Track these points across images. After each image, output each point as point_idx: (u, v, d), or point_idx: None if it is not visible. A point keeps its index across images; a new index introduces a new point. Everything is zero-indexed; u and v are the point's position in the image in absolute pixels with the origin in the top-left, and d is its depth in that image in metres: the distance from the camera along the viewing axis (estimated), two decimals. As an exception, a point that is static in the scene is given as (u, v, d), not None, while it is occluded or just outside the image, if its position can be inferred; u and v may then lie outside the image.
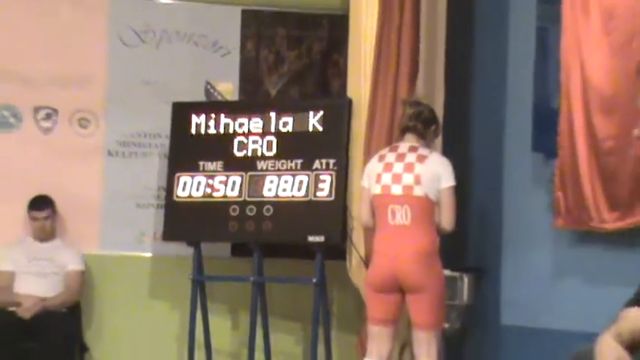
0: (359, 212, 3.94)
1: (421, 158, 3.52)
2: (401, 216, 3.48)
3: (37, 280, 4.69)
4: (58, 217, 4.87)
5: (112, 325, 4.90)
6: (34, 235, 4.80)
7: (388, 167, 3.55)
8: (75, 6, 4.89)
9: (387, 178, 3.56)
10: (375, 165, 3.68)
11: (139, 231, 4.95)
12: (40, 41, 4.87)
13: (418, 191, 3.49)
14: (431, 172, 3.50)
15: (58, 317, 4.60)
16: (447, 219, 3.58)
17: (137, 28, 4.93)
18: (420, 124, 3.70)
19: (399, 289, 3.49)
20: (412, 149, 3.59)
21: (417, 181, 3.49)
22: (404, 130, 3.72)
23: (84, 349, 4.81)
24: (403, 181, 3.50)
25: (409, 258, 3.45)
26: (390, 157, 3.59)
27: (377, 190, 3.60)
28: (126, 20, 4.97)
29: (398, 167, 3.52)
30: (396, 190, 3.52)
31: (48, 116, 4.96)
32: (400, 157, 3.55)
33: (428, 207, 3.52)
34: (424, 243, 3.49)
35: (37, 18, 4.90)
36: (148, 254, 4.97)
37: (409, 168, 3.53)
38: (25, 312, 4.51)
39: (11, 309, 4.62)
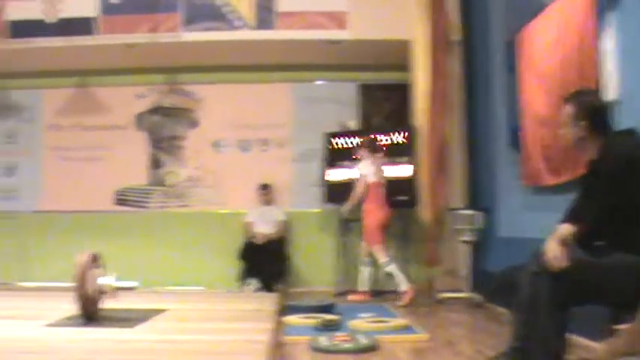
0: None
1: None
2: None
3: (264, 225, 8.27)
4: (272, 192, 8.65)
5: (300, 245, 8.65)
6: (262, 203, 8.49)
7: None
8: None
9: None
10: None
11: (311, 198, 8.70)
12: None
13: None
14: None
15: (275, 243, 8.17)
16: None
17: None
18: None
19: None
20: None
21: None
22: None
23: (287, 258, 8.29)
24: None
25: None
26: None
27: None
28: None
29: None
30: None
31: (264, 143, 8.97)
32: None
33: None
34: None
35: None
36: (317, 209, 8.78)
37: None
38: (259, 240, 8.16)
39: (252, 240, 8.22)
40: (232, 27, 7.76)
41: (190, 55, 8.50)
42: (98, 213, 9.00)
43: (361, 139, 7.79)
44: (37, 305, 5.32)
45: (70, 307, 4.29)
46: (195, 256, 8.73)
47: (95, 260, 4.38)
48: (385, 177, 7.42)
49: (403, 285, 6.95)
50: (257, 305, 5.40)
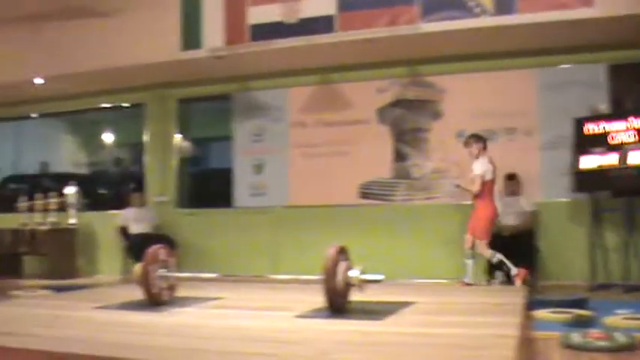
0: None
1: None
2: None
3: (511, 217, 8.33)
4: (519, 182, 8.69)
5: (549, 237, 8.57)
6: (508, 193, 8.53)
7: None
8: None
9: None
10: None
11: (561, 187, 8.63)
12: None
13: None
14: None
15: (523, 234, 8.26)
16: None
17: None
18: None
19: None
20: None
21: None
22: None
23: (535, 250, 8.32)
24: None
25: None
26: None
27: None
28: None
29: None
30: None
31: (510, 131, 9.05)
32: None
33: None
34: None
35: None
36: (567, 199, 8.72)
37: None
38: (505, 232, 8.25)
39: (499, 231, 8.16)
40: (472, 14, 7.87)
41: (430, 45, 8.72)
42: (344, 207, 9.62)
43: (468, 136, 8.15)
44: (287, 297, 5.65)
45: (319, 299, 4.50)
46: (440, 248, 9.03)
47: (343, 253, 4.61)
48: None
49: (514, 270, 7.56)
50: (504, 299, 5.34)
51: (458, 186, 8.31)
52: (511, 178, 8.66)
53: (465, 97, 9.22)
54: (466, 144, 8.11)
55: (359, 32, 8.38)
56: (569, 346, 4.25)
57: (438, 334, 3.77)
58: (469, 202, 8.42)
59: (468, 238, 7.92)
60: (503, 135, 9.05)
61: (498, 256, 7.67)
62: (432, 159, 9.34)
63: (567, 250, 8.60)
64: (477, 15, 7.91)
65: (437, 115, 9.34)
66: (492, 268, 8.14)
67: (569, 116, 8.51)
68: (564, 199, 8.77)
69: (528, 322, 4.84)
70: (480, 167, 7.82)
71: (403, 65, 9.42)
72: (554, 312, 5.39)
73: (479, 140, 8.00)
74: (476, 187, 7.79)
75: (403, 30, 8.19)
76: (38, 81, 10.52)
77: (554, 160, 8.76)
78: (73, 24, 9.87)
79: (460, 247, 8.36)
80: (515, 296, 5.44)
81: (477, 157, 7.92)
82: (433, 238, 9.17)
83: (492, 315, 4.52)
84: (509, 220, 8.45)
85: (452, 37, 8.35)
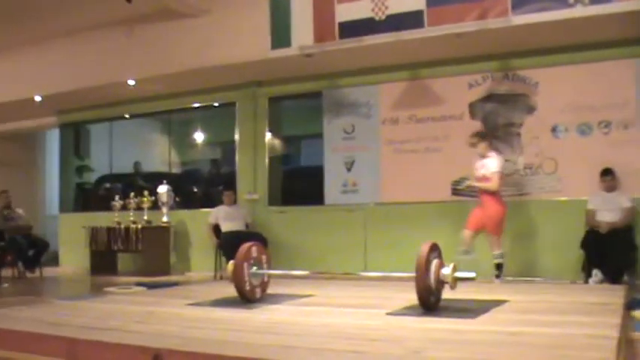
0: None
1: None
2: None
3: (608, 213, 8.11)
4: (616, 177, 8.38)
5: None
6: (605, 189, 8.30)
7: None
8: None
9: None
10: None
11: None
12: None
13: None
14: None
15: (621, 231, 7.99)
16: None
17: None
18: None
19: None
20: None
21: None
22: None
23: (634, 247, 8.05)
24: None
25: None
26: None
27: None
28: None
29: None
30: None
31: (606, 124, 8.72)
32: None
33: None
34: None
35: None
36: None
37: None
38: (603, 229, 8.03)
39: (596, 228, 8.18)
40: (565, 5, 7.64)
41: (522, 38, 8.57)
42: (435, 203, 9.58)
43: (472, 135, 8.38)
44: (378, 294, 5.63)
45: (410, 296, 4.51)
46: (535, 245, 8.89)
47: (435, 250, 4.58)
48: None
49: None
50: (602, 298, 5.25)
51: (470, 186, 8.46)
52: (607, 173, 8.40)
53: (559, 90, 8.99)
54: (472, 144, 8.28)
55: (449, 27, 8.28)
56: (671, 348, 4.00)
57: (533, 333, 3.71)
58: (563, 198, 8.28)
59: (468, 233, 8.02)
60: (600, 128, 8.81)
61: (502, 260, 8.05)
62: (524, 154, 9.18)
63: (669, 247, 8.18)
64: (571, 5, 7.66)
65: (530, 109, 9.18)
66: (589, 265, 7.96)
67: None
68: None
69: (629, 323, 4.63)
70: (496, 163, 7.98)
71: (494, 59, 9.32)
72: (655, 312, 5.11)
73: (484, 138, 8.22)
74: (495, 183, 7.94)
75: (494, 23, 8.04)
76: (130, 82, 10.81)
77: (655, 153, 8.29)
78: (163, 26, 10.18)
79: (560, 244, 8.45)
80: (615, 296, 5.34)
81: (484, 156, 8.14)
82: (529, 235, 9.04)
83: (590, 315, 4.43)
84: (607, 216, 8.24)
85: (544, 29, 8.15)
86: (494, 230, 7.96)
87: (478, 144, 8.17)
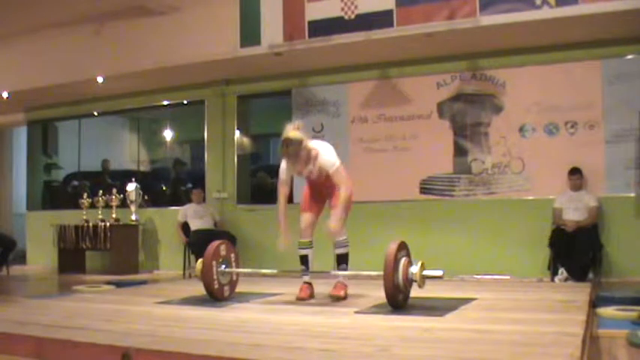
0: None
1: None
2: None
3: (574, 212, 8.20)
4: (582, 177, 8.37)
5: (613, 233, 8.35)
6: (571, 188, 8.35)
7: None
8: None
9: None
10: None
11: (626, 181, 8.35)
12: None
13: None
14: None
15: (586, 230, 8.04)
16: None
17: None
18: None
19: None
20: None
21: None
22: None
23: (599, 246, 8.05)
24: None
25: None
26: None
27: None
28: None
29: None
30: None
31: (573, 125, 8.76)
32: None
33: None
34: None
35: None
36: (632, 194, 8.36)
37: None
38: (569, 228, 8.06)
39: (562, 226, 8.20)
40: (532, 6, 7.70)
41: (490, 39, 8.62)
42: (404, 202, 9.60)
43: None
44: (347, 292, 5.62)
45: (379, 294, 4.58)
46: (501, 243, 8.93)
47: (403, 249, 4.67)
48: None
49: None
50: (568, 295, 5.38)
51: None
52: (575, 172, 8.47)
53: (526, 90, 9.08)
54: None
55: (418, 27, 8.31)
56: (636, 345, 4.12)
57: (500, 330, 3.75)
58: (531, 197, 8.34)
59: None
60: (566, 128, 8.88)
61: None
62: (492, 153, 9.23)
63: (633, 245, 8.31)
64: (538, 7, 7.74)
65: (498, 108, 9.24)
66: (555, 263, 8.05)
67: (635, 108, 8.31)
68: (630, 194, 8.49)
69: (593, 320, 4.77)
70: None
71: (463, 59, 9.36)
72: (619, 309, 5.25)
73: None
74: None
75: (462, 24, 8.09)
76: (99, 79, 10.72)
77: (619, 153, 8.52)
78: (132, 23, 10.06)
79: (526, 242, 8.55)
80: (580, 293, 5.44)
81: None
82: (496, 233, 9.09)
83: (556, 312, 4.50)
84: (573, 215, 8.33)
85: (512, 30, 8.19)
86: None
87: None
